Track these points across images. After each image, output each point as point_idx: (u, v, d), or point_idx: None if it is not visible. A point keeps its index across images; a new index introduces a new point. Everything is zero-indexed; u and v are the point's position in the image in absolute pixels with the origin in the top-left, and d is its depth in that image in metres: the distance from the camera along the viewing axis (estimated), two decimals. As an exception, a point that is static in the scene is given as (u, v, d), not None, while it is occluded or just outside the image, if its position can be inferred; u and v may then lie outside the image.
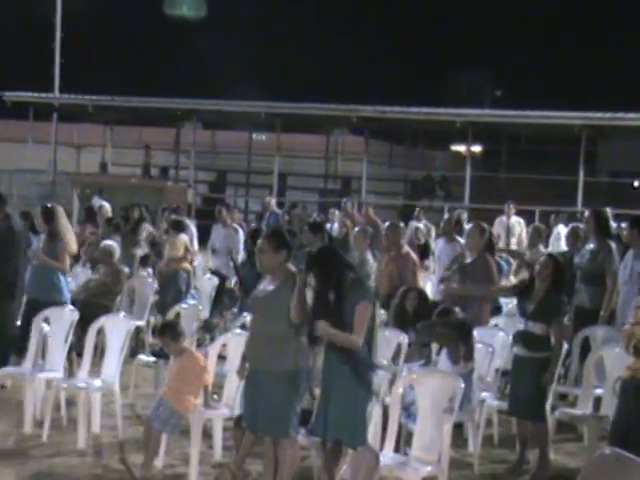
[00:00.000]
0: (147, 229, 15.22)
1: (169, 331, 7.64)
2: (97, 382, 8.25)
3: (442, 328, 8.16)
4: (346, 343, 6.27)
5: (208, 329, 11.96)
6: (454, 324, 8.16)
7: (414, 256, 10.69)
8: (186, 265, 12.95)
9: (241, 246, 14.13)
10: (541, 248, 13.11)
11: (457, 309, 8.65)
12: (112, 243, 12.54)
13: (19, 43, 42.95)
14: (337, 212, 18.58)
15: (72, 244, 9.99)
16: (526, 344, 7.67)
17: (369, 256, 11.12)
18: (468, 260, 9.83)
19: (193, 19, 40.47)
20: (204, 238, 15.62)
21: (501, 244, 16.29)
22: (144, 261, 12.95)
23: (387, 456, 6.47)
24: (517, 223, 18.01)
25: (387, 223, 11.32)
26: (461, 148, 33.53)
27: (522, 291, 8.02)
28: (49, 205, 10.14)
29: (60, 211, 10.00)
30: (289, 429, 6.46)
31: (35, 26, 36.15)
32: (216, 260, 14.45)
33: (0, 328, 10.23)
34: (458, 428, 7.72)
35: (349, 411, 6.31)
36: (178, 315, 9.70)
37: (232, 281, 13.21)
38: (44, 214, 9.90)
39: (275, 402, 6.42)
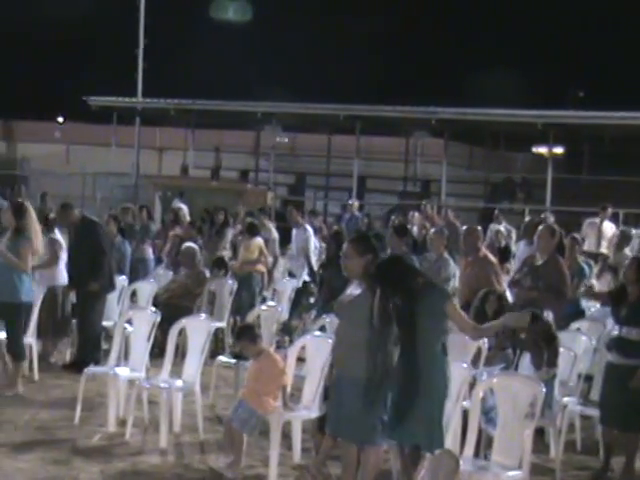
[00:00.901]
0: (231, 232, 15.43)
1: (247, 334, 7.70)
2: (178, 382, 8.35)
3: (527, 333, 8.05)
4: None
5: (287, 331, 12.03)
6: (539, 329, 8.04)
7: (493, 258, 10.60)
8: (260, 267, 13.04)
9: (312, 245, 14.18)
10: (627, 251, 12.85)
11: (546, 313, 8.55)
12: (193, 245, 12.71)
13: (104, 50, 43.82)
14: (417, 215, 18.51)
15: (38, 245, 9.76)
16: (621, 351, 7.49)
17: (447, 257, 11.05)
18: (539, 262, 9.72)
19: (239, 23, 40.78)
20: (283, 240, 15.72)
21: (590, 247, 15.97)
22: (218, 263, 13.09)
23: (467, 461, 6.41)
24: (609, 227, 17.52)
25: (464, 227, 11.25)
26: (542, 150, 33.08)
27: (615, 297, 7.86)
28: (21, 201, 10.08)
29: (32, 211, 9.83)
30: (374, 436, 6.44)
31: (119, 33, 36.82)
32: (290, 261, 14.54)
33: (95, 325, 10.59)
34: (540, 433, 7.62)
35: (426, 414, 6.28)
36: (258, 317, 9.76)
37: (300, 281, 13.22)
38: (15, 210, 9.69)
39: (360, 408, 6.39)
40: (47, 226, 11.22)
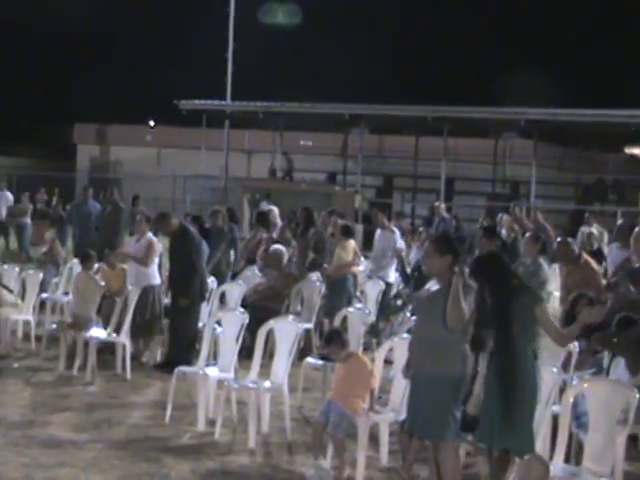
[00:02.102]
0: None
1: (336, 339, 7.71)
2: (266, 383, 8.42)
3: (622, 338, 7.89)
4: None
5: (375, 333, 12.02)
6: (635, 334, 7.87)
7: (594, 264, 10.47)
8: (354, 269, 13.02)
9: (398, 246, 14.10)
10: None
11: None
12: (281, 247, 12.79)
13: (194, 55, 44.47)
14: (505, 217, 18.28)
15: None
16: None
17: (542, 261, 10.90)
18: (636, 265, 9.53)
19: (288, 26, 40.86)
20: (372, 242, 15.67)
21: None
22: (312, 265, 13.13)
23: (557, 467, 6.31)
24: None
25: (558, 239, 11.12)
26: (636, 150, 32.38)
27: None
28: None
29: None
30: (446, 433, 6.43)
31: (208, 38, 37.33)
32: (373, 263, 14.47)
33: (189, 328, 10.78)
34: (634, 440, 7.45)
35: (517, 419, 6.21)
36: (345, 319, 9.78)
37: (383, 283, 13.14)
38: None
39: (433, 405, 6.41)
40: (149, 227, 11.59)
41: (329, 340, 7.82)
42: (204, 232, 12.54)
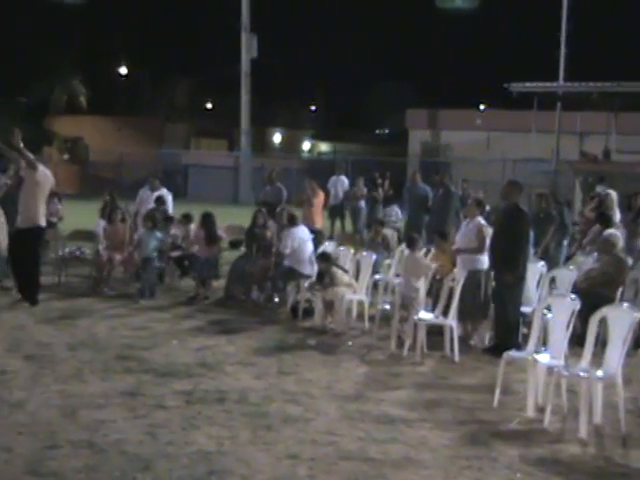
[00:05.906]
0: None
1: None
2: (598, 373, 8.16)
3: None
4: None
5: None
6: None
7: None
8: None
9: None
10: None
11: None
12: (615, 232, 12.34)
13: (524, 37, 43.90)
14: None
15: None
16: None
17: None
18: None
19: (467, 10, 38.24)
20: None
21: None
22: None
23: None
24: None
25: None
26: None
27: None
28: None
29: None
30: None
31: (539, 19, 36.70)
32: None
33: (510, 308, 10.71)
34: None
35: None
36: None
37: None
38: None
39: None
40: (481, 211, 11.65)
41: None
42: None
